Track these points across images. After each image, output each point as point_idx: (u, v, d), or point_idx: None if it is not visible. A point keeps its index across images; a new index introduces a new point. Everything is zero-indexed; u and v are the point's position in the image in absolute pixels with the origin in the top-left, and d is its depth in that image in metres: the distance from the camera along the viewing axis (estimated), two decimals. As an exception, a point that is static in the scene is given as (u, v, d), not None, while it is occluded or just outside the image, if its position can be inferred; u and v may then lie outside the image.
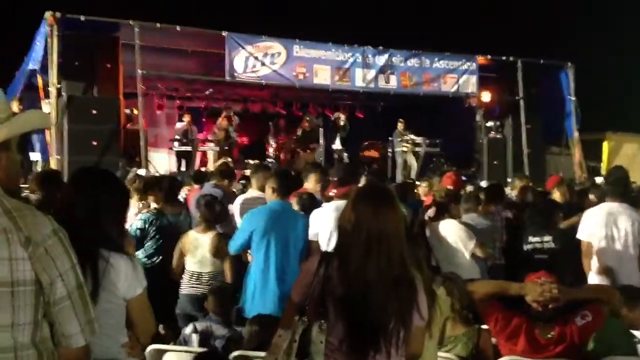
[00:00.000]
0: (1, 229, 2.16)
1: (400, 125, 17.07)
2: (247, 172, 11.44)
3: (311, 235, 6.07)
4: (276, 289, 5.78)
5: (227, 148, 16.29)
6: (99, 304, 2.81)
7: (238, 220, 6.98)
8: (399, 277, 2.84)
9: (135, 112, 14.71)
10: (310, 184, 7.24)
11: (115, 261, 2.91)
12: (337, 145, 18.19)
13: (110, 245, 2.96)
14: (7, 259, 2.15)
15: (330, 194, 6.46)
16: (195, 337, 4.93)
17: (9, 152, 2.37)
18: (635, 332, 4.51)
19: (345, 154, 18.10)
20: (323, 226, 5.86)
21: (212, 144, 16.42)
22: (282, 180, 6.14)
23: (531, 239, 6.77)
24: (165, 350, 4.55)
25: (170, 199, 7.63)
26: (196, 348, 4.76)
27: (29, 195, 5.44)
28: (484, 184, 13.02)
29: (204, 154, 16.76)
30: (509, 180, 14.66)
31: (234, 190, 8.91)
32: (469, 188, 10.60)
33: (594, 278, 6.13)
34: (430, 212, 6.87)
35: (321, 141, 17.95)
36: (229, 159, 14.33)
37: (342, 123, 18.52)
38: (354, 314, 2.80)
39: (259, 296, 5.86)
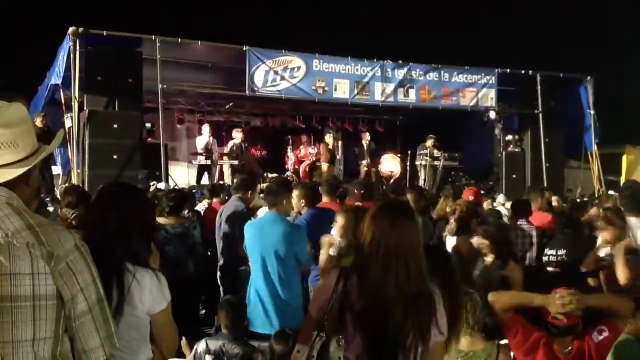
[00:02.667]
0: (24, 244, 2.19)
1: (429, 142, 17.05)
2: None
3: (332, 250, 6.11)
4: (269, 300, 5.83)
5: (243, 162, 16.35)
6: (124, 317, 2.85)
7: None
8: (418, 291, 2.85)
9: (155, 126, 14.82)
10: (357, 199, 7.37)
11: (140, 276, 2.92)
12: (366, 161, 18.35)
13: (136, 259, 2.97)
14: (29, 274, 2.19)
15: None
16: (208, 358, 4.88)
17: (36, 169, 2.45)
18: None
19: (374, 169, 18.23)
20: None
21: (227, 158, 16.50)
22: (268, 193, 6.28)
23: (547, 251, 6.75)
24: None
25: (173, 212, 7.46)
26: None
27: (63, 210, 5.49)
28: (501, 197, 13.00)
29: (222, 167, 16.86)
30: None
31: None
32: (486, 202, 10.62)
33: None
34: (451, 227, 6.86)
35: (339, 155, 17.97)
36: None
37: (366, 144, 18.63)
38: (373, 329, 2.81)
39: (254, 308, 5.91)
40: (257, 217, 7.29)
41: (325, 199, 7.74)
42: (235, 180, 8.48)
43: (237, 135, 16.70)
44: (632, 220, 6.25)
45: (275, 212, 6.12)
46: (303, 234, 6.07)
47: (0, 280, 2.17)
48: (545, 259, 6.70)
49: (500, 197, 13.07)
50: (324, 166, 17.21)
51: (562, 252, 6.54)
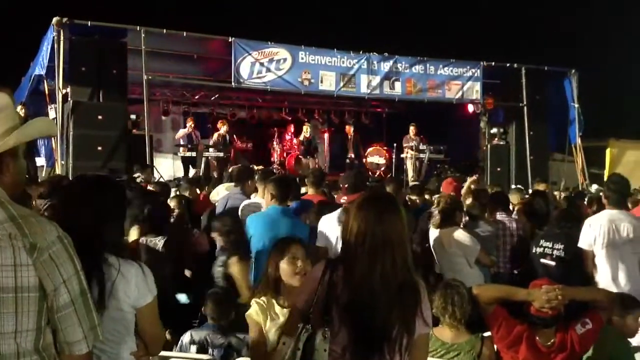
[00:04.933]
0: (6, 235, 2.18)
1: (412, 130, 17.13)
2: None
3: (320, 242, 6.13)
4: None
5: (228, 154, 16.33)
6: (109, 311, 2.83)
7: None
8: (404, 283, 2.86)
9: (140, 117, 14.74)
10: (343, 193, 7.41)
11: (125, 270, 2.89)
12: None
13: (119, 252, 2.94)
14: (11, 265, 2.17)
15: (341, 200, 6.50)
16: (193, 348, 4.86)
17: (16, 159, 2.40)
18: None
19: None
20: (332, 233, 5.92)
21: (213, 149, 16.44)
22: (280, 187, 6.24)
23: (542, 242, 6.69)
24: (169, 357, 4.55)
25: None
26: (198, 355, 4.75)
27: (36, 201, 5.47)
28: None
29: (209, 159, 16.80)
30: (512, 186, 14.66)
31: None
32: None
33: (597, 285, 6.17)
34: (435, 220, 6.87)
35: (326, 147, 18.01)
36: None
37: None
38: (359, 321, 2.81)
39: None
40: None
41: (310, 191, 7.75)
42: (233, 173, 8.41)
43: (222, 127, 16.68)
44: (614, 212, 6.32)
45: (283, 206, 6.18)
46: (307, 231, 6.11)
47: None
48: (539, 250, 6.67)
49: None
50: (302, 159, 17.25)
51: (559, 246, 6.52)
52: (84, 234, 2.77)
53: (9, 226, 2.20)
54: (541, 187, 10.72)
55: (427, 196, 9.75)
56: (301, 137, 17.64)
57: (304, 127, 17.96)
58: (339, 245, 4.86)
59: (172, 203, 7.87)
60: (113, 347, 2.89)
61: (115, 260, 2.89)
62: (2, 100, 2.39)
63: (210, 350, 4.84)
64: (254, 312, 3.72)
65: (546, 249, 6.64)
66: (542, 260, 6.61)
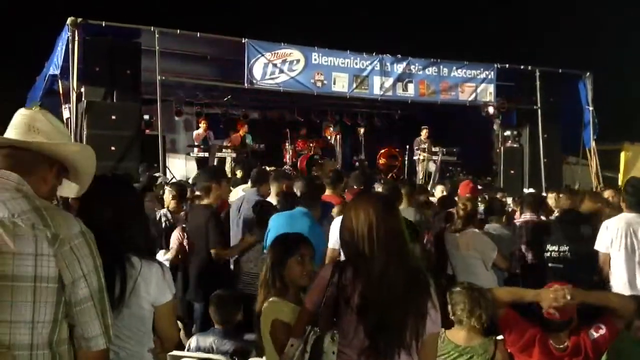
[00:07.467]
0: (29, 224, 2.20)
1: (424, 133, 17.09)
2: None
3: (331, 243, 6.12)
4: None
5: (245, 155, 16.34)
6: (131, 309, 2.88)
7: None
8: (412, 272, 2.89)
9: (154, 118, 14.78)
10: (353, 194, 7.44)
11: (147, 268, 2.94)
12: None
13: (141, 252, 2.98)
14: (33, 255, 2.19)
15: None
16: (199, 355, 4.81)
17: (59, 176, 2.53)
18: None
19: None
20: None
21: (229, 150, 16.45)
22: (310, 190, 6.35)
23: (549, 247, 6.73)
24: (181, 357, 4.55)
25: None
26: (210, 355, 4.73)
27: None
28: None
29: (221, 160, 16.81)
30: (525, 190, 14.59)
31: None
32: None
33: (612, 288, 6.13)
34: (457, 222, 6.84)
35: (338, 149, 18.01)
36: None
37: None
38: (375, 321, 2.79)
39: None
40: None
41: (327, 191, 7.77)
42: (252, 175, 8.48)
43: (241, 129, 16.72)
44: (631, 216, 6.28)
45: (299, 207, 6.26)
46: (322, 235, 6.12)
47: (3, 259, 2.17)
48: (547, 254, 6.70)
49: None
50: (326, 160, 17.23)
51: (564, 248, 6.53)
52: (106, 232, 2.80)
53: (32, 216, 2.23)
54: (606, 194, 10.48)
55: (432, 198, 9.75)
56: (332, 140, 17.66)
57: (327, 130, 17.98)
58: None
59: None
60: (133, 345, 2.93)
61: (137, 260, 2.94)
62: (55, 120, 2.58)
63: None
64: (286, 311, 3.40)
65: (552, 252, 6.68)
66: (551, 264, 6.64)
